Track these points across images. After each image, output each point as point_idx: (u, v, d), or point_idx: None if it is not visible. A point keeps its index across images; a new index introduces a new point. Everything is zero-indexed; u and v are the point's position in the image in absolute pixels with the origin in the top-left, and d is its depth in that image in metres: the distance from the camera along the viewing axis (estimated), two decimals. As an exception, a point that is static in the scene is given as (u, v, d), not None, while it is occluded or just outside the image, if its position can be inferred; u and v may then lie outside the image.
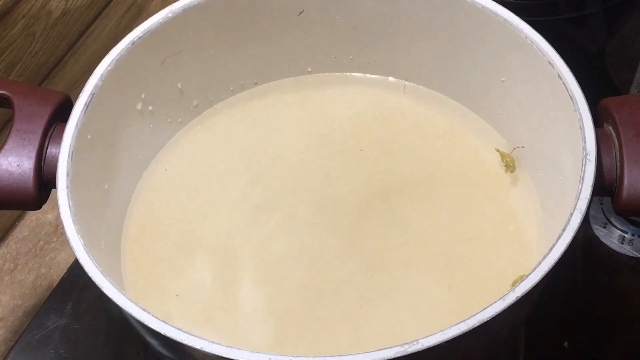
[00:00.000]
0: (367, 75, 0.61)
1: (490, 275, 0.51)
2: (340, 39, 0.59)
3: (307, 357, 0.39)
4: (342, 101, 0.60)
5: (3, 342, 0.64)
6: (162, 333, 0.40)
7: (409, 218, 0.54)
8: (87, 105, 0.49)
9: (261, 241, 0.54)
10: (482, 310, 0.39)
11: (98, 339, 0.62)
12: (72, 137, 0.48)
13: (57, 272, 0.68)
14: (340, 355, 0.39)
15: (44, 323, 0.63)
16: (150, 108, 0.56)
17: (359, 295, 0.51)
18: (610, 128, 0.48)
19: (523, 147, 0.55)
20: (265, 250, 0.53)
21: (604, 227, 0.65)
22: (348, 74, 0.61)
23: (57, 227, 0.71)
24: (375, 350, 0.38)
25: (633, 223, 0.65)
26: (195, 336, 0.40)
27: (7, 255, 0.68)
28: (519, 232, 0.53)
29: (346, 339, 0.49)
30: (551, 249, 0.42)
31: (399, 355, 0.38)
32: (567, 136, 0.48)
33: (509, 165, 0.55)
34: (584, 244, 0.65)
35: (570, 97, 0.47)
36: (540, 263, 0.41)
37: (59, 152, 0.48)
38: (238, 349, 0.39)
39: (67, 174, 0.47)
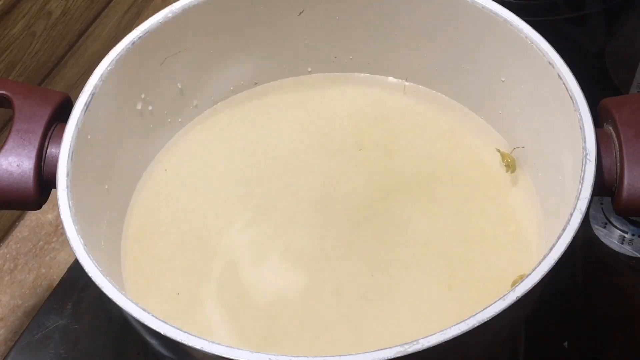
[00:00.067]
0: (367, 75, 0.61)
1: (490, 275, 0.51)
2: (340, 39, 0.59)
3: (307, 357, 0.39)
4: (342, 101, 0.60)
5: (3, 342, 0.64)
6: (162, 333, 0.40)
7: (409, 218, 0.54)
8: (87, 105, 0.49)
9: (261, 241, 0.54)
10: (482, 310, 0.39)
11: (98, 339, 0.62)
12: (72, 137, 0.48)
13: (57, 272, 0.68)
14: (340, 355, 0.39)
15: (44, 323, 0.63)
16: (150, 108, 0.56)
17: (359, 295, 0.51)
18: (610, 128, 0.48)
19: (523, 147, 0.55)
20: (265, 250, 0.53)
21: (604, 227, 0.65)
22: (348, 74, 0.61)
23: (57, 227, 0.71)
24: (375, 350, 0.38)
25: (633, 223, 0.65)
26: (195, 336, 0.40)
27: (7, 255, 0.68)
28: (519, 232, 0.53)
29: (346, 339, 0.49)
30: (551, 249, 0.42)
31: (399, 355, 0.38)
32: (567, 136, 0.48)
33: (509, 165, 0.55)
34: (584, 244, 0.65)
35: (570, 97, 0.47)
36: (540, 263, 0.41)
37: (59, 152, 0.48)
38: (238, 348, 0.39)
39: (67, 174, 0.47)
